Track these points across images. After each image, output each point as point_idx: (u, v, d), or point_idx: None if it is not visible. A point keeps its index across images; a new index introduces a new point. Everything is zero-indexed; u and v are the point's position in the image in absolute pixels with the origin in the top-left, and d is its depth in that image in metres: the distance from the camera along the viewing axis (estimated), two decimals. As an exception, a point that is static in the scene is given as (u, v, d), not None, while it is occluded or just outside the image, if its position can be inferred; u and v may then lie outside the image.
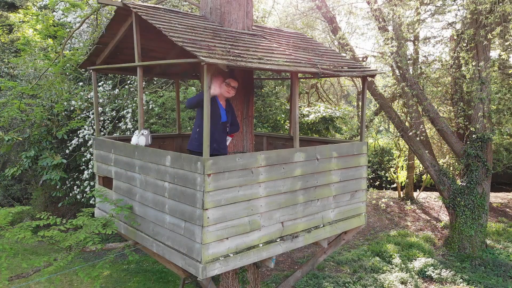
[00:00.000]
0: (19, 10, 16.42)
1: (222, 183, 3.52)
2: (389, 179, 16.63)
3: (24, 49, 7.23)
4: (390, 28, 10.08)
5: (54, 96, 8.04)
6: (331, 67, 4.44)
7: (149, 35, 4.49)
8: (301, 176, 4.22)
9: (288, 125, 12.52)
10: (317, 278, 8.69)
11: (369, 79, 10.68)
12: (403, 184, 17.24)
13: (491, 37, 8.50)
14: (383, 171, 14.91)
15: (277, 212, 4.03)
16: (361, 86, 5.06)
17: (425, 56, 12.68)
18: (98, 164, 5.14)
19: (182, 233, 3.66)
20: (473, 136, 9.84)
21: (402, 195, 16.86)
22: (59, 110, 7.73)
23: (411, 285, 8.52)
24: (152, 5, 4.23)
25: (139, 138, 4.24)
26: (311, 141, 5.61)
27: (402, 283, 8.62)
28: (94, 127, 10.04)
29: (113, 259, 8.28)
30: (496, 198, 17.97)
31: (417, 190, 17.50)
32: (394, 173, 17.40)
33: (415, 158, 15.33)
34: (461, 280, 8.80)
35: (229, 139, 4.53)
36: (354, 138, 12.25)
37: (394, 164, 17.29)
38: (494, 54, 11.22)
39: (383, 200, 14.49)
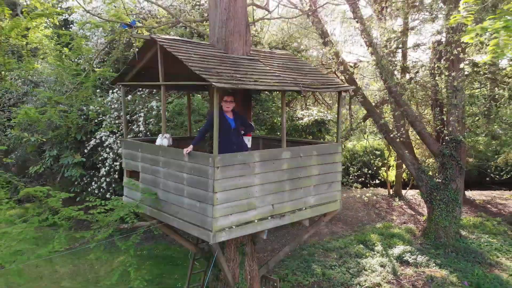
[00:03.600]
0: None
1: (227, 174, 4.78)
2: (380, 177, 17.87)
3: (37, 52, 8.29)
4: (375, 40, 11.32)
5: (82, 104, 9.28)
6: (312, 85, 5.70)
7: (169, 60, 5.74)
8: (287, 169, 5.48)
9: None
10: (307, 262, 9.95)
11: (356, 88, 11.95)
12: (393, 183, 18.50)
13: (460, 52, 9.74)
14: (367, 169, 16.18)
15: (268, 197, 5.29)
16: (337, 100, 6.30)
17: (414, 62, 13.95)
18: (126, 161, 6.40)
19: (197, 211, 4.92)
20: (447, 138, 11.09)
21: (391, 192, 18.09)
22: (92, 117, 9.00)
23: (389, 268, 9.78)
24: (173, 37, 5.48)
25: (163, 140, 5.50)
26: (298, 142, 6.87)
27: (381, 266, 9.87)
28: (110, 129, 11.29)
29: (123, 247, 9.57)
30: (481, 195, 19.18)
31: (406, 187, 18.73)
32: (385, 172, 18.66)
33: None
34: (434, 264, 10.04)
35: (248, 138, 5.79)
36: (343, 139, 13.45)
37: (385, 163, 18.56)
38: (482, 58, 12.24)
39: (367, 195, 15.72)
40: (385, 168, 18.87)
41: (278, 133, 13.79)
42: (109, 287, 8.65)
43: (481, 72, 10.98)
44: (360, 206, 16.25)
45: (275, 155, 5.34)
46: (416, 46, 12.80)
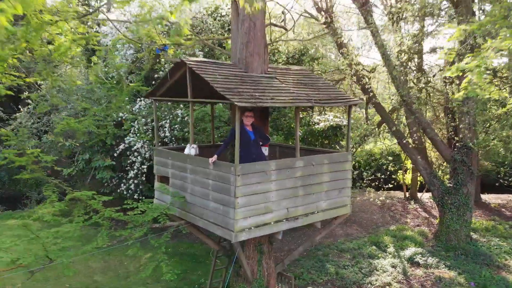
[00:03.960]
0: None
1: (247, 181, 5.45)
2: (393, 180, 18.24)
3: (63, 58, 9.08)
4: (387, 51, 11.79)
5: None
6: (323, 99, 6.33)
7: (196, 78, 6.47)
8: (301, 176, 6.12)
9: (300, 132, 14.40)
10: (322, 261, 10.54)
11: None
12: (409, 186, 18.84)
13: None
14: (379, 173, 16.61)
15: (283, 201, 5.94)
16: (347, 113, 6.90)
17: (429, 66, 14.31)
18: (157, 167, 7.17)
19: (221, 213, 5.62)
20: (458, 144, 11.48)
21: (407, 195, 18.44)
22: (127, 127, 9.91)
23: (400, 269, 10.27)
24: (200, 60, 6.20)
25: (190, 150, 6.23)
26: (311, 151, 7.50)
27: (392, 267, 10.36)
28: (137, 135, 12.15)
29: (156, 244, 10.38)
30: (497, 199, 19.29)
31: (423, 191, 19.02)
32: (402, 175, 19.02)
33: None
34: (444, 266, 10.47)
35: (265, 148, 6.48)
36: (356, 145, 13.93)
37: (402, 166, 18.91)
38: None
39: (380, 199, 16.15)
40: (402, 171, 19.23)
41: (292, 138, 14.41)
42: (140, 281, 9.47)
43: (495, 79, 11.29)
44: (375, 209, 16.68)
45: (290, 164, 5.99)
46: (433, 50, 13.19)
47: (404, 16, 11.81)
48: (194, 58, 6.10)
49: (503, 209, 17.29)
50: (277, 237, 6.08)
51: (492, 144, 12.58)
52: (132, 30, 7.84)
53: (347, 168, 6.81)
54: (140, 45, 8.43)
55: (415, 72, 12.28)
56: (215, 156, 5.78)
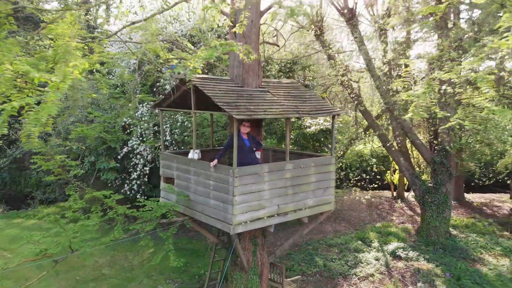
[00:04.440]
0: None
1: (243, 181, 6.36)
2: (378, 181, 19.23)
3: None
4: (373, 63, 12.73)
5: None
6: (309, 110, 7.25)
7: (198, 92, 7.36)
8: (290, 177, 7.03)
9: (293, 135, 15.31)
10: (311, 255, 11.47)
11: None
12: (397, 186, 19.83)
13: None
14: (364, 174, 17.57)
15: (275, 199, 6.85)
16: (331, 122, 7.82)
17: (416, 74, 15.26)
18: (163, 169, 8.05)
19: (221, 209, 6.52)
20: (437, 147, 12.46)
21: (394, 195, 19.44)
22: (134, 133, 10.80)
23: (383, 261, 11.22)
24: (202, 76, 7.09)
25: (194, 155, 7.12)
26: (300, 154, 8.41)
27: (376, 259, 11.32)
28: (143, 139, 12.98)
29: (154, 241, 11.24)
30: (481, 198, 20.34)
31: (410, 190, 20.04)
32: (390, 175, 20.01)
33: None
34: (423, 259, 11.44)
35: (258, 153, 7.38)
36: (343, 148, 14.84)
37: (390, 166, 19.91)
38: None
39: (365, 197, 17.13)
40: (390, 172, 20.22)
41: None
42: (144, 273, 10.34)
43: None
44: (363, 208, 17.65)
45: (280, 167, 6.91)
46: (419, 57, 14.14)
47: (387, 29, 12.79)
48: (197, 75, 6.98)
49: (484, 208, 18.31)
50: (270, 230, 6.99)
51: (471, 146, 13.60)
52: (138, 49, 8.70)
53: (331, 170, 7.74)
54: (144, 58, 9.25)
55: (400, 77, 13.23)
56: (216, 160, 6.68)
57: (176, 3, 5.87)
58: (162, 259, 11.10)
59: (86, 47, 6.56)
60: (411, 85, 12.86)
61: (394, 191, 19.64)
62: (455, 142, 11.73)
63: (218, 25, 14.63)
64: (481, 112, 6.63)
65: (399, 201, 18.57)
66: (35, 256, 6.22)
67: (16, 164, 19.53)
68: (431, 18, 11.79)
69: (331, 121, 18.42)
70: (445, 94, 9.22)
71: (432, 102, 4.37)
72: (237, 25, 4.85)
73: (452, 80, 5.63)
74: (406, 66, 14.20)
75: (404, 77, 4.83)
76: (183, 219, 7.35)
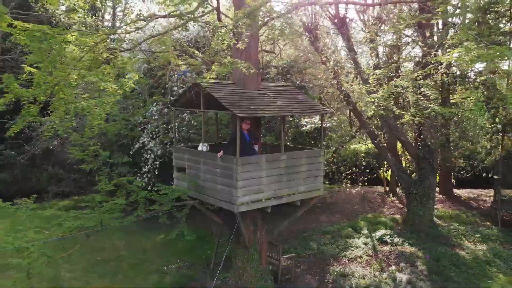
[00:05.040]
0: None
1: (245, 169, 7.62)
2: (380, 175, 20.49)
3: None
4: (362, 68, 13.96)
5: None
6: (301, 110, 8.52)
7: (206, 94, 8.62)
8: (284, 167, 8.30)
9: (290, 133, 16.58)
10: (306, 240, 12.73)
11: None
12: (390, 181, 21.07)
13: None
14: (355, 168, 18.80)
15: (272, 185, 8.12)
16: (320, 120, 9.09)
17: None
18: (176, 161, 9.32)
19: (226, 193, 7.79)
20: (420, 143, 13.70)
21: (387, 189, 20.67)
22: (151, 129, 12.08)
23: (370, 246, 12.47)
24: (212, 81, 8.36)
25: (203, 147, 8.40)
26: (293, 148, 9.68)
27: (364, 244, 12.56)
28: (151, 136, 14.26)
29: (167, 227, 12.54)
30: (470, 193, 21.56)
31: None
32: (384, 171, 21.26)
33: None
34: (407, 244, 12.68)
35: (256, 146, 8.64)
36: (335, 145, 16.07)
37: (383, 163, 21.15)
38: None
39: (356, 189, 18.42)
40: (383, 168, 21.46)
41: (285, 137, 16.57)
42: (157, 253, 11.61)
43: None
44: (357, 201, 18.90)
45: (276, 158, 8.18)
46: (412, 60, 15.32)
47: (377, 34, 14.02)
48: (206, 80, 8.26)
49: (471, 201, 19.51)
50: (267, 210, 8.27)
51: (453, 142, 14.84)
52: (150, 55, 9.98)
53: (320, 161, 9.00)
54: (156, 63, 10.46)
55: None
56: (222, 151, 7.95)
57: (186, 21, 7.12)
58: (171, 242, 12.38)
59: (110, 56, 7.83)
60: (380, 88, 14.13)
61: (387, 186, 20.88)
62: (435, 138, 12.98)
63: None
64: (427, 111, 7.89)
65: (391, 195, 19.80)
66: (73, 231, 7.51)
67: (27, 161, 20.62)
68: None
69: (330, 117, 19.70)
70: (400, 96, 10.52)
71: (391, 102, 5.53)
72: (239, 42, 6.12)
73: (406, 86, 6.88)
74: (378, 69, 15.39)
75: (371, 82, 5.98)
76: (193, 202, 8.63)
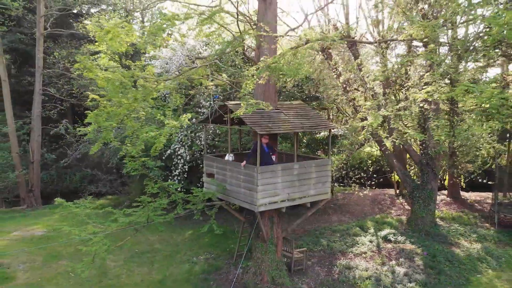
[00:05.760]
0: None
1: (264, 176, 9.33)
2: (375, 179, 21.87)
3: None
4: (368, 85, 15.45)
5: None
6: (312, 126, 10.16)
7: (231, 113, 10.34)
8: (297, 174, 9.96)
9: (304, 140, 18.18)
10: (318, 238, 14.33)
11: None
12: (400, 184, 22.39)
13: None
14: (363, 173, 20.21)
15: (286, 189, 9.80)
16: (329, 134, 10.69)
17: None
18: (206, 167, 11.11)
19: (248, 195, 9.52)
20: (422, 152, 15.10)
21: (397, 192, 22.03)
22: (176, 138, 13.92)
23: (375, 243, 13.99)
24: (235, 102, 10.09)
25: (229, 157, 10.15)
26: (305, 157, 11.31)
27: (370, 242, 14.09)
28: (180, 142, 16.13)
29: (194, 224, 14.36)
30: (476, 196, 22.66)
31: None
32: (395, 174, 22.61)
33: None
34: (409, 242, 14.13)
35: (274, 156, 10.34)
36: (347, 151, 17.52)
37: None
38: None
39: (363, 193, 19.90)
40: (394, 172, 22.79)
41: (299, 144, 18.21)
42: (187, 247, 13.43)
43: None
44: (367, 203, 20.35)
45: (290, 166, 9.86)
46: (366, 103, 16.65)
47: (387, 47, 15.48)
48: (232, 102, 10.01)
49: (476, 204, 20.67)
50: (282, 210, 9.95)
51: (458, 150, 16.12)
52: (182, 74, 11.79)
53: (328, 169, 10.62)
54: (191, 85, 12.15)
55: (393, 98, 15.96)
56: (245, 161, 9.68)
57: (212, 57, 8.87)
58: (198, 238, 14.19)
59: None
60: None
61: (397, 189, 22.23)
62: (435, 148, 14.40)
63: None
64: (405, 134, 9.47)
65: (400, 197, 21.15)
66: (127, 225, 9.37)
67: (60, 163, 22.78)
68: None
69: (342, 125, 21.10)
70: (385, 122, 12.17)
71: (378, 128, 7.04)
72: (260, 79, 7.83)
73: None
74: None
75: (364, 110, 7.55)
76: (221, 203, 10.40)
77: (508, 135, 17.50)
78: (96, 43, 8.70)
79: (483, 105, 7.22)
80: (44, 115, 21.95)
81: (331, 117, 23.23)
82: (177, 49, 14.48)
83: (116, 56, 19.00)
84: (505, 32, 6.55)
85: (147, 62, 13.58)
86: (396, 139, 9.27)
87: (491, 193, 23.66)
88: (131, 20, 20.45)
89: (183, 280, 11.33)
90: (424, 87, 7.19)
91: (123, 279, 11.52)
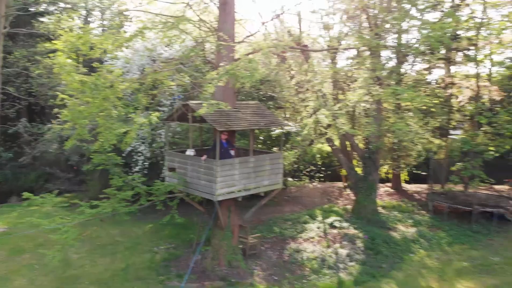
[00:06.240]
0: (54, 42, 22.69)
1: (223, 169, 10.35)
2: (322, 173, 23.60)
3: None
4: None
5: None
6: (266, 123, 11.32)
7: (193, 111, 11.24)
8: (252, 166, 11.07)
9: (261, 137, 19.37)
10: (271, 226, 15.59)
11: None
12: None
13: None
14: (313, 167, 21.88)
15: (243, 180, 10.88)
16: (281, 132, 11.90)
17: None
18: (168, 162, 11.94)
19: (208, 186, 10.50)
20: (365, 147, 16.80)
21: (345, 184, 23.85)
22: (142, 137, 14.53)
23: (322, 229, 15.46)
24: (196, 102, 10.99)
25: (190, 152, 11.06)
26: (260, 152, 12.46)
27: (317, 228, 15.54)
28: (141, 140, 16.71)
29: (153, 218, 15.10)
30: (417, 188, 24.98)
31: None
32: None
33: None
34: (352, 228, 15.73)
35: (232, 151, 11.35)
36: (298, 147, 18.96)
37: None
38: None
39: (312, 184, 21.61)
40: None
41: (256, 141, 19.38)
42: (148, 239, 14.16)
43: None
44: (318, 194, 21.96)
45: (246, 160, 10.95)
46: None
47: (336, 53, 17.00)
48: (194, 101, 10.91)
49: (415, 194, 22.88)
50: (238, 199, 11.04)
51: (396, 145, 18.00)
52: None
53: (280, 162, 11.83)
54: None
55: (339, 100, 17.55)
56: (205, 156, 10.64)
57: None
58: (158, 230, 14.97)
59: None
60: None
61: (345, 181, 24.08)
62: (374, 143, 16.16)
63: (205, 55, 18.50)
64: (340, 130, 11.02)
65: (347, 189, 22.96)
66: (94, 216, 10.02)
67: (15, 162, 22.52)
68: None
69: (296, 123, 22.46)
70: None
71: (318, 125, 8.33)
72: (220, 82, 8.85)
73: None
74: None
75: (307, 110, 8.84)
76: (182, 195, 11.30)
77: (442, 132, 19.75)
78: (53, 41, 9.23)
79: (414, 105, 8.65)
80: (3, 114, 21.63)
81: (287, 116, 24.66)
82: (139, 49, 15.07)
83: (73, 54, 19.07)
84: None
85: (108, 62, 14.09)
86: (336, 134, 10.67)
87: (429, 185, 26.33)
88: (90, 19, 20.60)
89: (145, 268, 12.11)
90: (356, 90, 8.60)
91: (87, 269, 12.09)
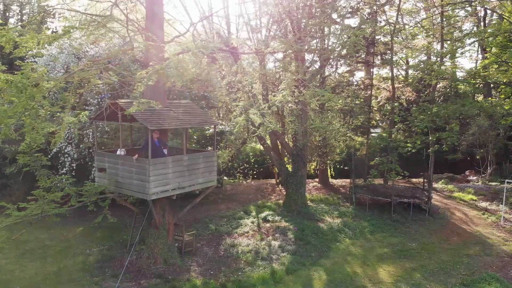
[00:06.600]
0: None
1: (155, 168, 10.41)
2: (255, 171, 24.45)
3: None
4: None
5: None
6: (198, 122, 11.56)
7: (123, 110, 11.14)
8: (186, 164, 11.26)
9: (195, 137, 19.50)
10: (207, 224, 15.85)
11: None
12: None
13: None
14: (246, 165, 22.59)
15: (176, 179, 11.03)
16: (214, 129, 12.22)
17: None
18: (98, 163, 11.67)
19: (141, 186, 10.50)
20: (293, 145, 17.74)
21: (277, 181, 24.81)
22: (68, 137, 13.87)
23: (256, 223, 16.08)
24: (126, 100, 10.90)
25: (121, 152, 10.95)
26: (194, 150, 12.68)
27: (252, 223, 16.13)
28: (67, 140, 16.01)
29: (84, 221, 14.63)
30: (342, 182, 26.73)
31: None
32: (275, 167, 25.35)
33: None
34: (283, 221, 16.56)
35: (165, 150, 11.40)
36: (233, 147, 19.48)
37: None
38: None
39: (246, 181, 22.27)
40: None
41: (191, 141, 19.49)
42: (79, 242, 13.67)
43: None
44: (252, 191, 22.62)
45: (180, 158, 11.12)
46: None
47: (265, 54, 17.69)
48: (123, 100, 10.81)
49: (341, 188, 24.51)
50: (173, 198, 11.16)
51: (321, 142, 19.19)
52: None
53: (214, 160, 12.15)
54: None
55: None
56: (137, 155, 10.62)
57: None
58: (90, 232, 14.54)
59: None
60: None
61: (277, 178, 25.05)
62: (301, 141, 17.19)
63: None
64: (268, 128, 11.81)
65: (279, 186, 23.91)
66: (22, 218, 9.55)
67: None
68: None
69: (228, 122, 22.85)
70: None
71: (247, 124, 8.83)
72: (150, 81, 8.94)
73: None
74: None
75: (237, 110, 9.36)
76: (114, 195, 11.15)
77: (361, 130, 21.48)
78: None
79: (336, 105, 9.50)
80: None
81: (221, 115, 25.00)
82: (63, 46, 14.44)
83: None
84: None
85: (30, 60, 13.35)
86: (265, 132, 11.30)
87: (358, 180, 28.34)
88: (8, 14, 19.11)
89: (79, 270, 11.74)
90: (281, 92, 9.28)
91: (17, 274, 11.47)
